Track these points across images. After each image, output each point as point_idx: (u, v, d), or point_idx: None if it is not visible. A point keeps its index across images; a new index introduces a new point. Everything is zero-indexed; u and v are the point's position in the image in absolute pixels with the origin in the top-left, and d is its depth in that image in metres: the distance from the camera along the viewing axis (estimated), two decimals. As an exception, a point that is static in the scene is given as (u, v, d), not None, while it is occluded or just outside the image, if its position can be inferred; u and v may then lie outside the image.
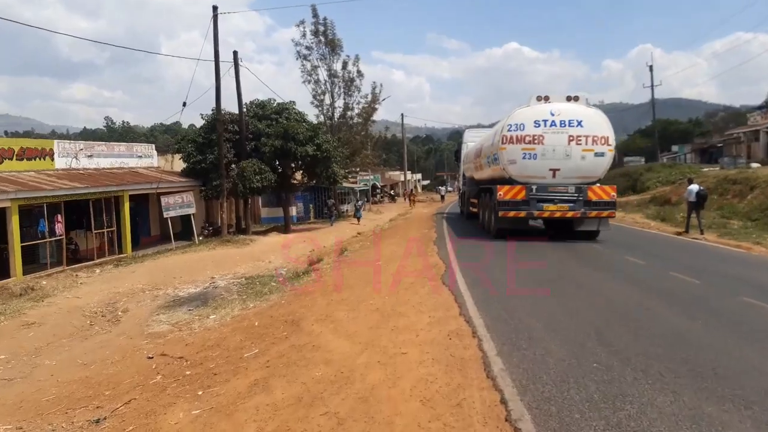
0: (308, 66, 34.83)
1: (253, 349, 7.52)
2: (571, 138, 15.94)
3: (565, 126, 16.01)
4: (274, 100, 29.33)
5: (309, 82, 34.63)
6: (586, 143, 15.92)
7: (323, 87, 34.95)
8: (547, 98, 16.59)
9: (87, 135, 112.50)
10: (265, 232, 28.95)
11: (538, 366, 5.37)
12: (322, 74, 35.47)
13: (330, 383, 5.50)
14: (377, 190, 58.10)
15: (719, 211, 25.68)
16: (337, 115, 35.71)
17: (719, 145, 62.57)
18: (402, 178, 69.79)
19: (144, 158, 28.48)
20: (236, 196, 26.74)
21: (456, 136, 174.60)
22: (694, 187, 19.52)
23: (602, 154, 15.96)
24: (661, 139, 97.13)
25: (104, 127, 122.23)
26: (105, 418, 5.94)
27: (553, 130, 16.03)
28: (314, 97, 34.91)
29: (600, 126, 16.06)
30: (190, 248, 22.18)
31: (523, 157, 16.17)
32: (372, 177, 56.14)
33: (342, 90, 35.51)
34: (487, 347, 6.00)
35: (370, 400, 4.93)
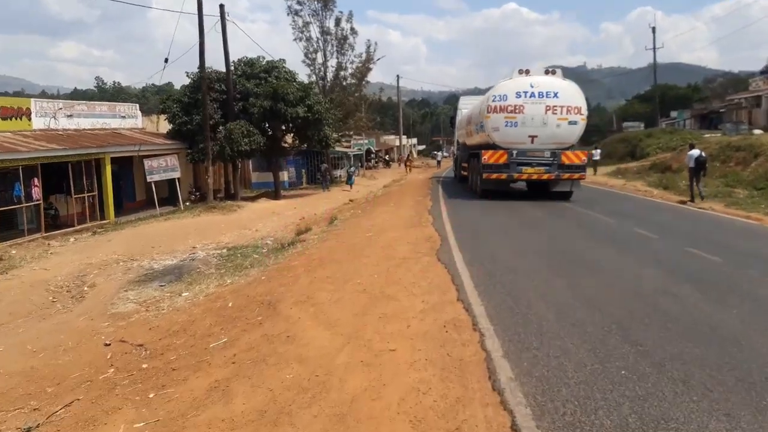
0: (300, 22, 33.18)
1: (221, 338, 6.53)
2: (548, 108, 17.53)
3: (543, 97, 17.56)
4: (264, 58, 27.85)
5: (300, 39, 32.99)
6: (561, 113, 17.55)
7: (315, 45, 33.35)
8: (527, 71, 18.12)
9: (77, 95, 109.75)
10: (254, 198, 27.84)
11: (554, 374, 4.37)
12: (314, 31, 33.85)
13: (302, 391, 4.51)
14: (372, 155, 56.75)
15: (723, 179, 24.73)
16: (330, 75, 34.18)
17: (720, 110, 61.29)
18: (397, 143, 68.35)
19: (127, 119, 27.13)
20: (224, 159, 25.53)
21: (453, 99, 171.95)
22: (695, 152, 18.63)
23: (575, 123, 17.61)
24: (660, 104, 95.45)
25: (95, 87, 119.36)
26: (38, 426, 4.97)
27: (532, 101, 17.58)
28: (306, 56, 33.32)
29: (574, 97, 17.80)
30: (175, 215, 21.10)
31: (506, 125, 17.79)
32: (366, 141, 54.74)
33: (335, 48, 33.90)
34: (491, 345, 5.01)
35: (348, 418, 3.95)
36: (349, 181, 32.57)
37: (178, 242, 15.42)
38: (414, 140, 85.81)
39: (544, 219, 14.02)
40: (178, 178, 23.39)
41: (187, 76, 26.16)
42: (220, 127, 25.20)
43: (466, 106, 27.97)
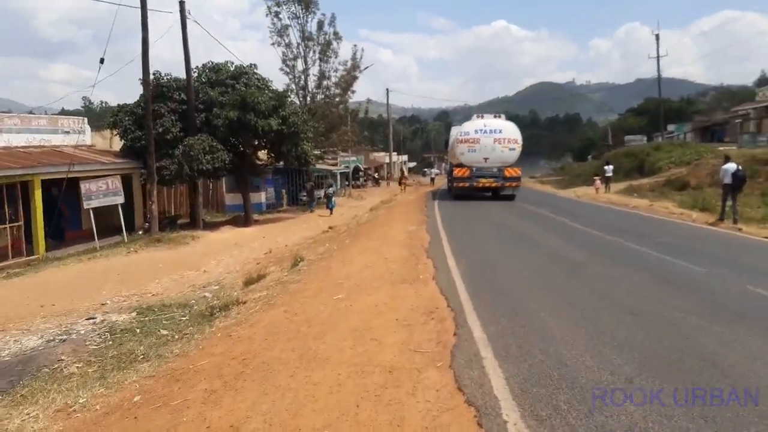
0: (278, 25, 29.01)
1: None
2: (496, 139, 24.77)
3: (492, 133, 24.85)
4: (232, 63, 23.66)
5: (279, 44, 28.86)
6: (504, 142, 24.76)
7: (295, 51, 29.19)
8: (482, 116, 26.37)
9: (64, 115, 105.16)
10: (221, 224, 23.53)
11: None
12: (294, 36, 29.70)
13: None
14: (360, 173, 52.58)
15: (765, 198, 20.97)
16: (311, 84, 30.02)
17: (723, 123, 57.86)
18: (387, 160, 64.28)
19: (72, 134, 22.80)
20: (182, 179, 21.24)
21: (443, 116, 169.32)
22: (731, 167, 15.35)
23: (513, 149, 24.85)
24: (655, 117, 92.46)
25: (82, 107, 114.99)
26: None
27: (485, 135, 24.86)
28: (284, 62, 29.09)
29: (513, 132, 25.13)
30: (108, 250, 16.70)
31: (468, 151, 25.07)
32: (355, 158, 50.61)
33: (317, 55, 29.75)
34: None
35: None
36: (329, 204, 27.71)
37: (86, 294, 11.08)
38: (405, 157, 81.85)
39: (582, 264, 9.80)
40: (122, 204, 19.02)
41: (142, 84, 21.91)
42: (180, 145, 20.97)
43: (453, 134, 31.36)
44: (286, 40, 28.92)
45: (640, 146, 47.71)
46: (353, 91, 30.59)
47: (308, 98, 29.56)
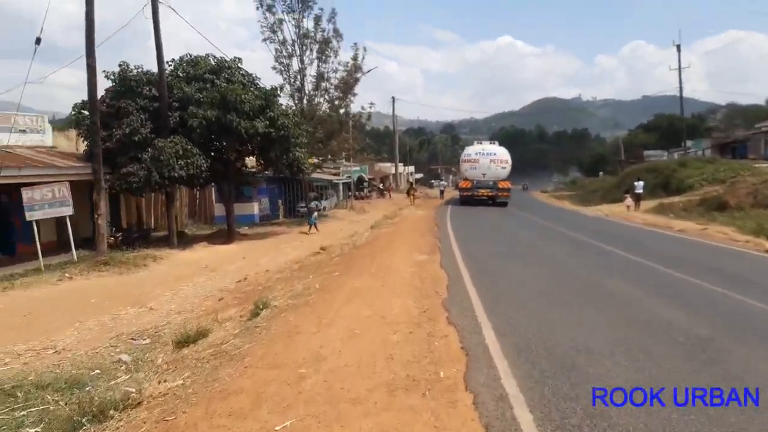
0: (271, 19, 25.55)
1: None
2: (491, 160, 32.50)
3: (488, 155, 32.78)
4: (214, 57, 20.21)
5: (272, 41, 25.39)
6: (498, 162, 32.47)
7: (290, 49, 25.74)
8: (481, 142, 36.37)
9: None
10: (202, 239, 20.08)
11: None
12: (289, 31, 26.26)
13: None
14: (364, 184, 49.06)
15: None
16: (308, 86, 26.60)
17: (744, 139, 54.26)
18: (393, 170, 60.81)
19: (29, 134, 19.51)
20: (151, 188, 17.78)
21: (449, 129, 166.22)
22: None
23: (504, 167, 32.60)
24: (667, 134, 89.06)
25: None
26: None
27: (482, 156, 32.72)
28: (277, 60, 25.61)
29: (504, 154, 33.08)
30: (41, 275, 13.18)
31: (470, 169, 32.96)
32: (358, 168, 47.16)
33: (314, 54, 26.33)
34: None
35: None
36: (310, 220, 22.69)
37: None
38: (411, 168, 78.41)
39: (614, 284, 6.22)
40: (69, 216, 15.56)
41: (107, 77, 18.54)
42: (148, 148, 17.58)
43: (461, 156, 36.77)
44: (280, 37, 25.52)
45: (663, 162, 43.96)
46: (354, 95, 27.11)
47: (305, 101, 26.13)
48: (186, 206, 26.85)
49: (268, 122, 18.79)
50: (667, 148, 71.43)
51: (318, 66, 26.16)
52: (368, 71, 29.67)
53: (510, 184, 32.75)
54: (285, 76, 25.59)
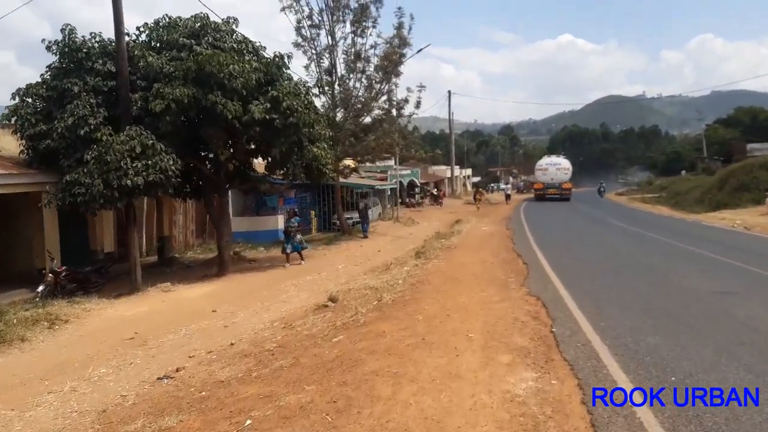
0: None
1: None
2: (557, 168, 42.73)
3: (555, 165, 43.16)
4: (204, 15, 14.08)
5: (291, 9, 19.09)
6: (562, 170, 42.63)
7: (317, 18, 19.47)
8: (550, 155, 49.16)
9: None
10: (200, 267, 14.29)
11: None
12: (316, -2, 19.83)
13: None
14: (416, 189, 42.48)
15: None
16: (340, 65, 20.13)
17: None
18: (449, 174, 53.96)
19: (-41, 132, 14.32)
20: (95, 202, 11.96)
21: (507, 130, 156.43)
22: None
23: (567, 174, 42.55)
24: (751, 128, 78.47)
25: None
26: None
27: (550, 166, 43.26)
28: (298, 32, 19.09)
29: (566, 164, 43.23)
30: None
31: (542, 175, 43.29)
32: (409, 171, 40.72)
33: (349, 26, 19.89)
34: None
35: None
36: (289, 245, 15.17)
37: None
38: (469, 171, 71.18)
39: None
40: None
41: (48, 47, 12.87)
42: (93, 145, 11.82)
43: (536, 166, 46.25)
44: (304, 3, 19.22)
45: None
46: (399, 74, 20.37)
47: (336, 85, 19.84)
48: (193, 221, 21.20)
49: (268, 104, 12.70)
50: (753, 143, 61.96)
51: (352, 39, 19.68)
52: (419, 50, 23.24)
53: (571, 185, 43.47)
54: (310, 53, 19.36)
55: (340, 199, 21.61)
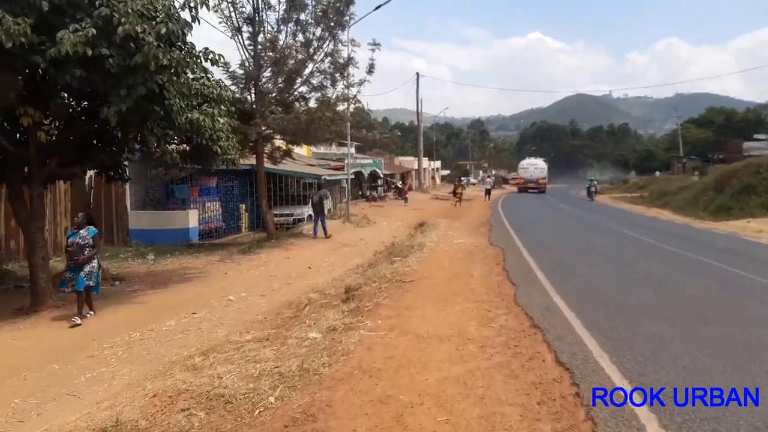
0: None
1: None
2: (535, 167, 52.51)
3: (533, 165, 53.26)
4: None
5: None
6: (538, 169, 52.35)
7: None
8: (529, 158, 59.31)
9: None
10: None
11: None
12: None
13: None
14: (378, 181, 36.97)
15: None
16: (269, 16, 14.33)
17: None
18: (416, 166, 48.66)
19: None
20: None
21: (477, 125, 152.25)
22: None
23: (543, 172, 52.31)
24: (723, 128, 76.99)
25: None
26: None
27: (530, 166, 53.16)
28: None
29: (542, 164, 53.91)
30: None
31: (524, 172, 52.68)
32: (372, 161, 35.27)
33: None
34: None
35: None
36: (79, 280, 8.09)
37: None
38: (438, 163, 66.13)
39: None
40: None
41: None
42: None
43: (519, 166, 57.03)
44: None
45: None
46: (345, 27, 14.57)
47: (259, 37, 14.14)
48: (69, 214, 15.30)
49: (95, 30, 7.07)
50: (725, 143, 59.05)
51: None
52: (377, 7, 17.70)
53: (546, 180, 52.21)
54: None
55: (266, 191, 15.97)
